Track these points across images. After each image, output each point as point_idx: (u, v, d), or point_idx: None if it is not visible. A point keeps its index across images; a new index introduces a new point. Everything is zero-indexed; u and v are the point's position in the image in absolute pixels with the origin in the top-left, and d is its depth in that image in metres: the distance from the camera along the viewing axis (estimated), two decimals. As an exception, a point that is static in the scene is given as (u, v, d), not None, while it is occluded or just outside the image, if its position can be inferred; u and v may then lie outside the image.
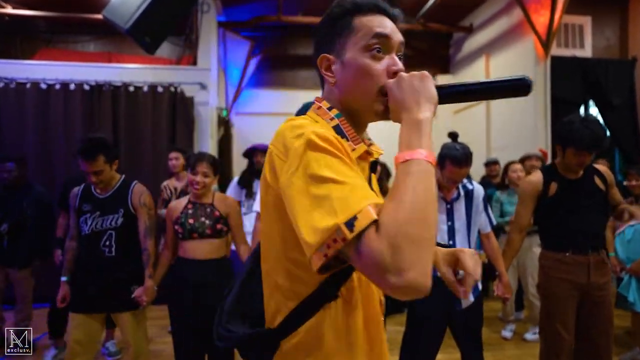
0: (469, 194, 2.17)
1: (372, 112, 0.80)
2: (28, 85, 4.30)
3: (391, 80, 0.76)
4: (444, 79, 7.43)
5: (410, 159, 0.64)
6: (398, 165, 0.66)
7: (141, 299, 2.15)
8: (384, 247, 0.56)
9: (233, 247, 2.35)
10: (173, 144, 4.47)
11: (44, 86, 4.31)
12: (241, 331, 0.82)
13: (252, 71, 7.25)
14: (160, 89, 4.55)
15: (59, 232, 3.17)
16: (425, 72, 0.74)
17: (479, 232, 2.23)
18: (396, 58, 0.80)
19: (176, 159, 3.47)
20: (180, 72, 4.89)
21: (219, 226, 2.21)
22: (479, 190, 2.20)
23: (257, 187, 3.29)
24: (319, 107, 0.84)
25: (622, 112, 5.37)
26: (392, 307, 3.92)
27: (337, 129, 0.78)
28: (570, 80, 5.32)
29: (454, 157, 2.00)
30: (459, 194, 2.15)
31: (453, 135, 2.17)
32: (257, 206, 2.11)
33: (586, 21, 5.63)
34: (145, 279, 2.17)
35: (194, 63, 5.14)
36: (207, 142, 4.83)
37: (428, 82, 0.73)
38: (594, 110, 5.52)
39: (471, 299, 2.13)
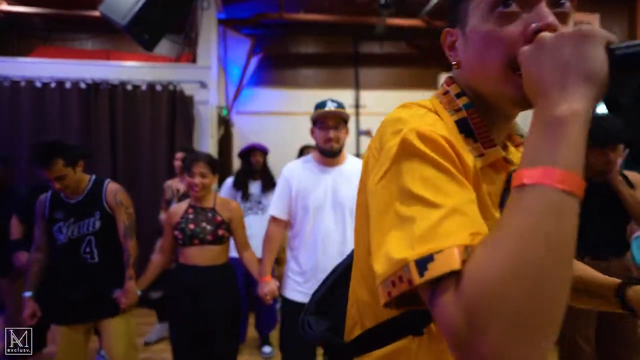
0: None
1: (503, 98, 0.57)
2: (22, 84, 4.17)
3: (526, 47, 0.49)
4: (447, 78, 7.30)
5: (528, 184, 0.40)
6: (513, 189, 0.43)
7: (121, 302, 2.03)
8: (459, 317, 0.39)
9: (232, 253, 2.23)
10: (172, 144, 4.35)
11: (39, 84, 4.18)
12: (319, 331, 0.74)
13: (253, 70, 7.13)
14: (159, 88, 4.42)
15: (15, 234, 2.83)
16: (590, 29, 0.44)
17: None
18: (545, 9, 0.52)
19: (182, 160, 3.35)
20: (180, 70, 4.77)
21: (220, 232, 2.10)
22: None
23: (254, 188, 3.17)
24: (446, 92, 0.64)
25: (629, 111, 5.27)
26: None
27: (461, 125, 0.60)
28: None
29: None
30: None
31: None
32: (272, 210, 2.00)
33: (594, 19, 5.52)
34: (125, 280, 2.05)
35: (194, 61, 5.02)
36: (207, 142, 4.71)
37: (590, 48, 0.44)
38: (600, 110, 5.40)
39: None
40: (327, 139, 1.91)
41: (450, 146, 0.52)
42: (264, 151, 3.32)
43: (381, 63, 7.59)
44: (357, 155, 5.60)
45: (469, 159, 0.54)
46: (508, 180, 0.64)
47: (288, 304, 1.98)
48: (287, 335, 1.95)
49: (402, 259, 0.44)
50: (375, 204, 0.52)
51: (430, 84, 7.49)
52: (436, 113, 0.62)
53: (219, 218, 2.12)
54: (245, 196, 3.13)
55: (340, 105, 1.94)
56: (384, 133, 0.57)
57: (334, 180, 1.93)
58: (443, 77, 7.01)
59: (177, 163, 3.32)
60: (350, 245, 1.92)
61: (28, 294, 2.09)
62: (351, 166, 2.00)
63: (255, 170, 3.21)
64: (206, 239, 2.08)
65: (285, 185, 2.01)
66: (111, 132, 4.30)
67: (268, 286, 1.98)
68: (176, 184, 3.30)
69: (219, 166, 2.27)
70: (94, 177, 2.14)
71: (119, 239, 2.10)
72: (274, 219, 2.02)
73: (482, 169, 0.60)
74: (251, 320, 3.33)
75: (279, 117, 6.97)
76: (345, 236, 1.92)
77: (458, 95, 0.63)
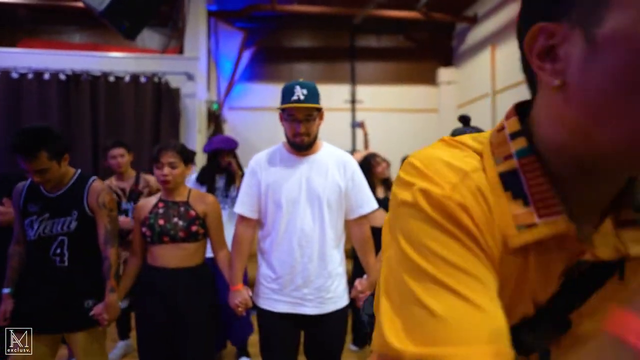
0: None
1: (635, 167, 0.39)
2: (-2, 75, 3.97)
3: None
4: (446, 72, 7.13)
5: (608, 332, 0.33)
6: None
7: (102, 318, 1.80)
8: None
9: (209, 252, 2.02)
10: (157, 138, 4.14)
11: (15, 75, 3.97)
12: None
13: (245, 64, 6.93)
14: (143, 79, 4.22)
15: None
16: None
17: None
18: None
19: (121, 157, 2.93)
20: (165, 61, 4.57)
21: (194, 228, 1.89)
22: None
23: (220, 182, 2.92)
24: (501, 129, 0.47)
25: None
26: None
27: (507, 179, 0.44)
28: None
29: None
30: None
31: (464, 119, 1.83)
32: (238, 207, 1.77)
33: None
34: (106, 293, 1.83)
35: (181, 52, 4.82)
36: (195, 137, 4.51)
37: None
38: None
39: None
40: (295, 133, 1.66)
41: (471, 218, 0.42)
42: (232, 149, 2.97)
43: (378, 57, 7.38)
44: (352, 151, 5.39)
45: (510, 235, 0.43)
46: (571, 268, 0.45)
47: (264, 315, 1.73)
48: (269, 349, 1.73)
49: (393, 347, 0.39)
50: (385, 258, 0.46)
51: (429, 79, 7.29)
52: (470, 159, 0.47)
53: (192, 212, 1.92)
54: (211, 191, 2.89)
55: (310, 93, 1.63)
56: (398, 176, 0.48)
57: (307, 171, 1.71)
58: (442, 72, 6.81)
59: (115, 161, 2.91)
60: (331, 243, 1.71)
61: (7, 290, 1.88)
62: (327, 155, 1.76)
63: (223, 167, 2.95)
64: (178, 236, 1.87)
65: (252, 179, 1.74)
66: (92, 125, 4.09)
67: (240, 296, 1.75)
68: (114, 183, 2.94)
69: (193, 155, 2.06)
70: (79, 172, 1.92)
71: (95, 245, 1.88)
72: (242, 218, 1.79)
73: (537, 245, 0.43)
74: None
75: (272, 113, 6.72)
76: (324, 233, 1.70)
77: (514, 136, 0.46)
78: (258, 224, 1.79)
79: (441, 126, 7.20)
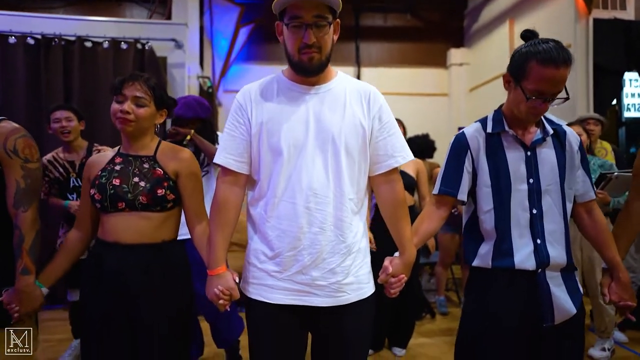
0: (560, 136, 1.35)
1: None
2: (-46, 37, 3.49)
3: None
4: (458, 53, 6.66)
5: None
6: None
7: (11, 308, 1.30)
8: None
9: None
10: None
11: (-26, 37, 3.49)
12: None
13: (242, 43, 6.43)
14: (124, 46, 3.74)
15: None
16: None
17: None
18: None
19: (67, 120, 2.32)
20: (150, 26, 4.08)
21: (160, 191, 1.39)
22: (573, 135, 1.38)
23: (191, 147, 2.31)
24: None
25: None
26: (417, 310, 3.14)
27: None
28: (610, 46, 4.63)
29: (544, 53, 1.18)
30: (545, 133, 1.33)
31: (530, 33, 1.33)
32: (219, 157, 1.25)
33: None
34: (17, 275, 1.32)
35: (169, 18, 4.33)
36: (183, 112, 4.01)
37: None
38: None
39: (572, 309, 1.31)
40: (302, 45, 1.15)
41: None
42: (188, 118, 2.27)
43: (384, 37, 6.92)
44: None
45: None
46: None
47: (255, 308, 1.23)
48: (262, 356, 1.22)
49: None
50: None
51: (438, 61, 6.81)
52: None
53: (159, 171, 1.41)
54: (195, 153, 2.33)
55: None
56: None
57: (317, 105, 1.21)
58: (452, 53, 6.30)
59: (60, 125, 2.33)
60: (350, 207, 1.20)
61: None
62: (343, 84, 1.26)
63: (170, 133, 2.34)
64: (138, 202, 1.36)
65: (240, 118, 1.23)
66: (65, 95, 3.62)
67: (221, 282, 1.21)
68: (62, 156, 2.42)
69: (171, 102, 1.57)
70: None
71: (6, 209, 1.36)
72: (225, 173, 1.24)
73: None
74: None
75: (271, 96, 6.27)
76: (341, 192, 1.19)
77: None
78: (248, 181, 1.29)
79: (452, 110, 6.73)
